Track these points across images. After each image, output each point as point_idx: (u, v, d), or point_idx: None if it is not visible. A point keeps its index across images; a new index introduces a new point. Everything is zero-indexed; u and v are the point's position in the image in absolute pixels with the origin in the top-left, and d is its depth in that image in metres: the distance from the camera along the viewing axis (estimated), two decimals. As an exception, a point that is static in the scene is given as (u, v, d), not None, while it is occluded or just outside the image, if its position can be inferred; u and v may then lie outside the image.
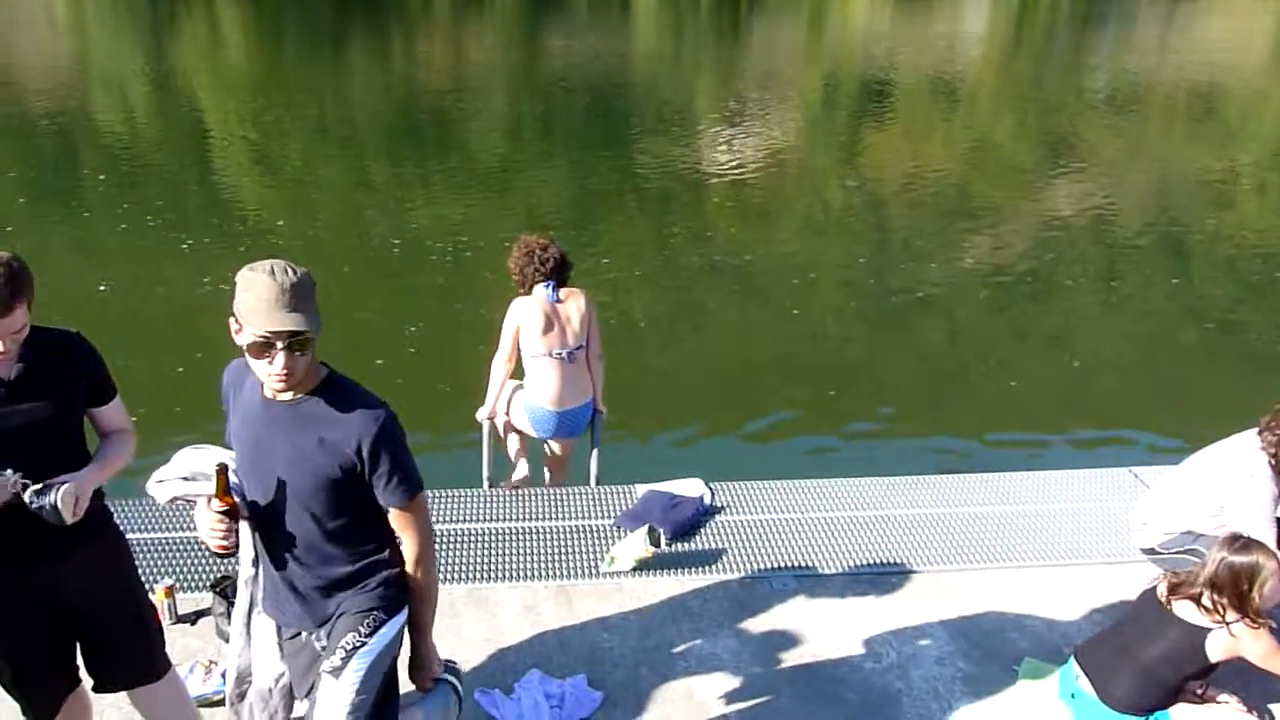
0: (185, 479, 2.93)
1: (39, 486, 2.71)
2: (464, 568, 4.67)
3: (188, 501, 2.91)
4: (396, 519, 2.71)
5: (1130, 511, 4.70)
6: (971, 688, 4.04)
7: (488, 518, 5.06)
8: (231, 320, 2.50)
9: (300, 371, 2.51)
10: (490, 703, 3.89)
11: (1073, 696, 3.79)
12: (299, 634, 2.84)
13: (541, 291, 5.03)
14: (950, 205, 13.57)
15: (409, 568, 2.79)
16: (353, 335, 8.89)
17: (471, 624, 4.32)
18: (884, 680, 4.07)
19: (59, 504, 2.70)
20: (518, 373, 5.20)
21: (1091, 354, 8.94)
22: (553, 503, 5.20)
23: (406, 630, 2.87)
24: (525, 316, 5.01)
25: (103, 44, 27.26)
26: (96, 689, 3.22)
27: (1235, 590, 3.46)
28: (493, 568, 4.68)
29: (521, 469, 5.48)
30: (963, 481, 5.53)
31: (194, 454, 2.98)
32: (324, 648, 2.78)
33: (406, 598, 2.83)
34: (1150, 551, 4.43)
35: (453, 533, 4.92)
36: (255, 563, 2.88)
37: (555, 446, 5.45)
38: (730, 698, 3.97)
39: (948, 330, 9.76)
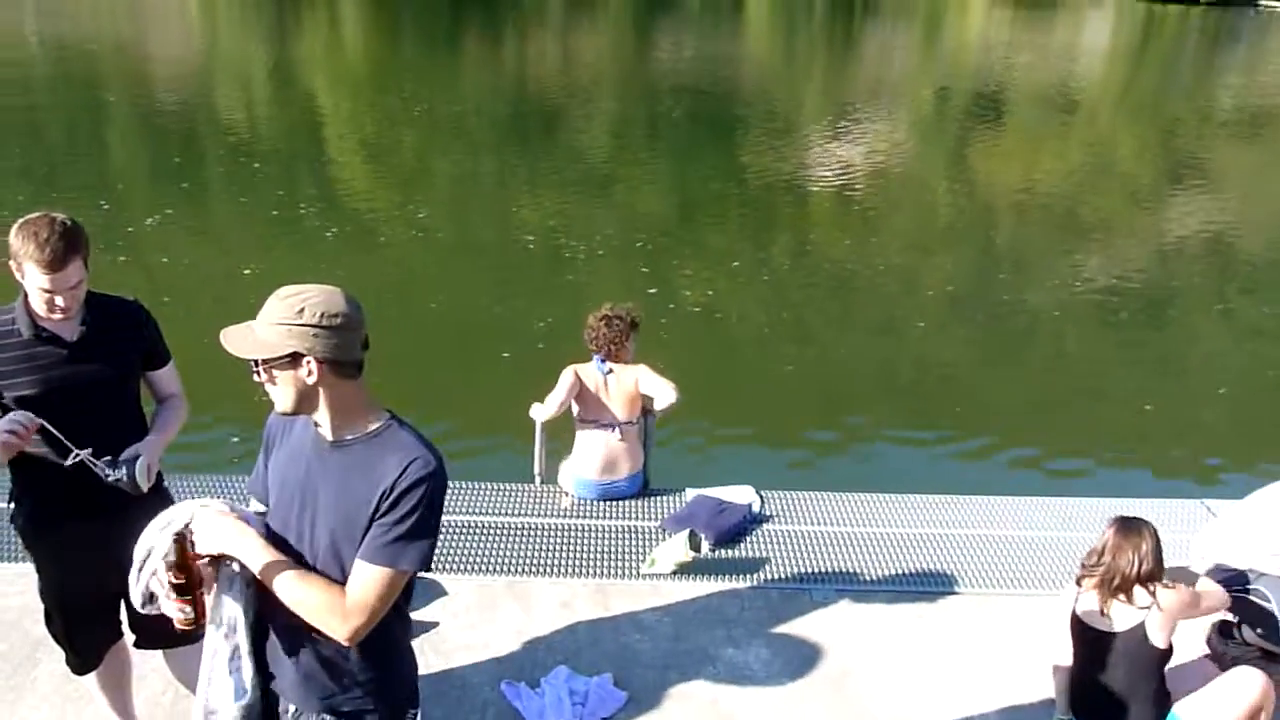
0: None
1: (109, 459, 2.89)
2: (505, 561, 4.71)
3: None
4: (362, 579, 2.20)
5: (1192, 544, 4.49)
6: (1007, 715, 3.92)
7: (534, 513, 5.10)
8: None
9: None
10: (515, 694, 3.92)
11: None
12: (291, 709, 2.49)
13: (594, 363, 5.08)
14: (1062, 222, 13.23)
15: (327, 613, 2.25)
16: (439, 323, 9.13)
17: (506, 615, 4.36)
18: (914, 700, 3.97)
19: (137, 477, 2.90)
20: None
21: (1198, 382, 8.61)
22: (601, 503, 5.21)
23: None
24: (582, 382, 5.07)
25: (230, 39, 28.32)
26: (139, 645, 3.37)
27: (1158, 568, 3.49)
28: (534, 562, 4.72)
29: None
30: (1021, 504, 5.37)
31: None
32: None
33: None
34: (1208, 589, 4.22)
35: (499, 526, 4.98)
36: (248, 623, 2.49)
37: None
38: (756, 708, 3.92)
39: (1047, 350, 9.52)
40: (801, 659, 4.18)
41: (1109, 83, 26.04)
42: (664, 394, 5.00)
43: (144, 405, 3.22)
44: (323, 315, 2.18)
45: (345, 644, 2.25)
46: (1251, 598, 4.02)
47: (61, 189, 12.65)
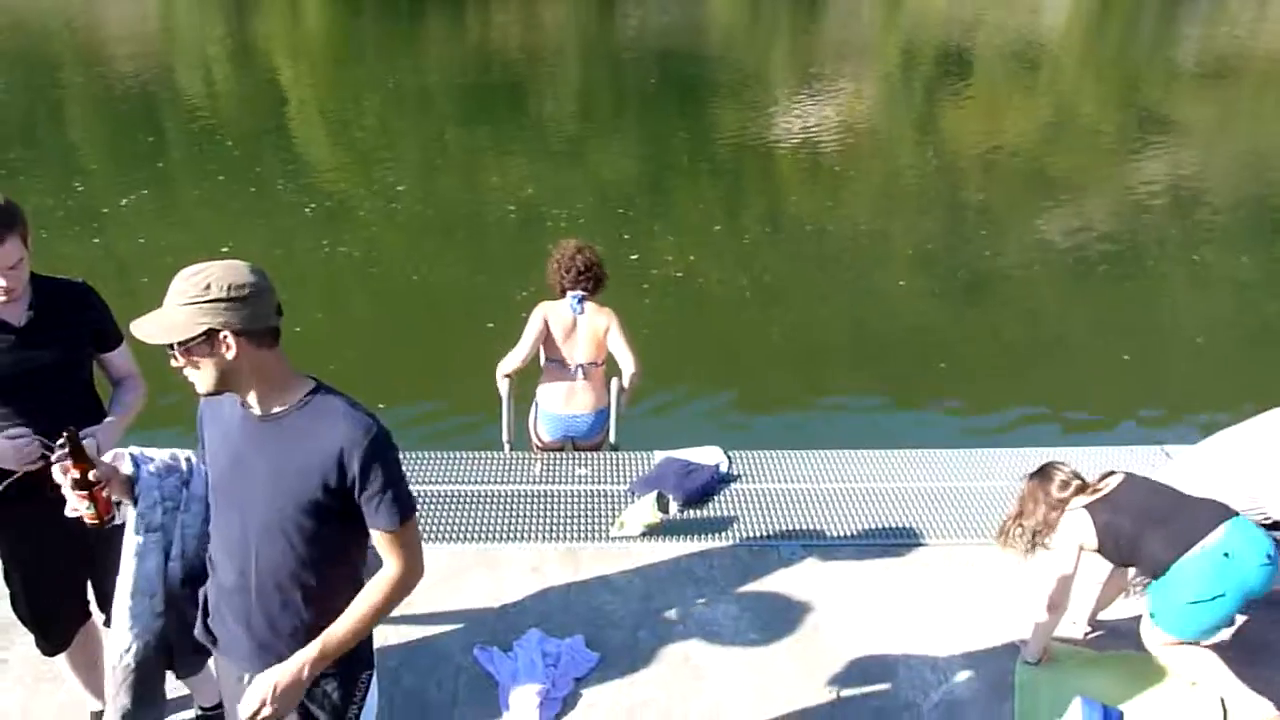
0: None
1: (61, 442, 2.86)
2: (475, 528, 4.74)
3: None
4: (384, 543, 2.37)
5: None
6: (971, 664, 3.99)
7: (504, 480, 5.12)
8: None
9: None
10: (487, 659, 3.95)
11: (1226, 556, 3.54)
12: (246, 676, 2.50)
13: (567, 301, 5.04)
14: (1029, 178, 13.30)
15: (380, 581, 2.39)
16: (421, 296, 9.14)
17: (477, 582, 4.39)
18: (882, 652, 4.04)
19: None
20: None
21: (1166, 333, 8.71)
22: (569, 467, 5.24)
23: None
24: (551, 321, 5.03)
25: (188, 14, 27.86)
26: (109, 624, 3.37)
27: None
28: (504, 529, 4.74)
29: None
30: (985, 456, 5.44)
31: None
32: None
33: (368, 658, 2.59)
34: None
35: (468, 494, 5.00)
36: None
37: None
38: (726, 663, 3.98)
39: (1015, 305, 9.60)
40: (770, 614, 4.24)
41: (1073, 37, 26.07)
42: (627, 363, 5.01)
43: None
44: (230, 287, 2.19)
45: (415, 579, 2.42)
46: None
47: (31, 173, 12.51)
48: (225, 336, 2.20)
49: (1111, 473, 3.85)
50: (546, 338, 5.05)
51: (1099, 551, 3.72)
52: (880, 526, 4.83)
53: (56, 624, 3.31)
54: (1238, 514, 3.61)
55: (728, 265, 10.01)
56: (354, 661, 2.51)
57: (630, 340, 5.05)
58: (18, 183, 11.81)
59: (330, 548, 2.39)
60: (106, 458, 2.67)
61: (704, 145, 14.87)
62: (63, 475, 2.48)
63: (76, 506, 2.52)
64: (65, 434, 2.42)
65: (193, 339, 2.19)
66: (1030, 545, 3.85)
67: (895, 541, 4.71)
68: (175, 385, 2.39)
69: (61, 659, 3.37)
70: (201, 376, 2.25)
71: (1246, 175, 13.77)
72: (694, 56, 22.42)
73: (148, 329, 2.21)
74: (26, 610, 3.26)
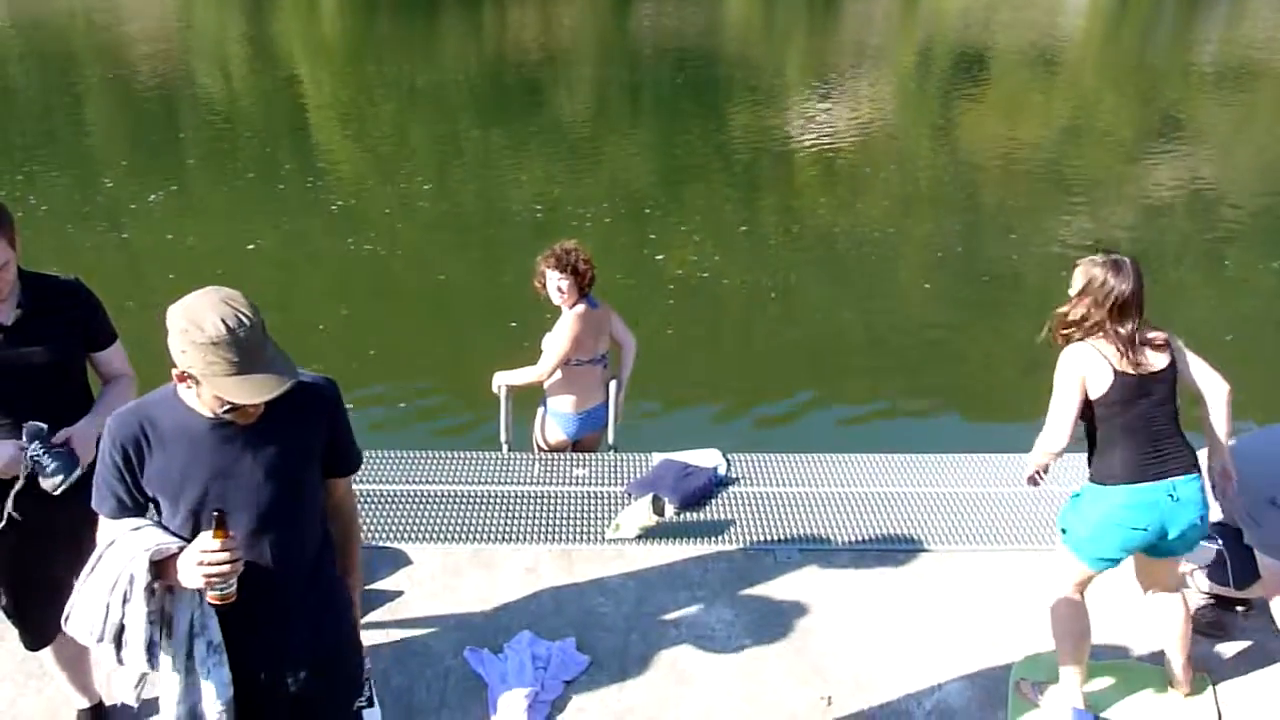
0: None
1: (49, 449, 2.87)
2: (471, 529, 4.72)
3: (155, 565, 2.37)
4: (339, 489, 2.63)
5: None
6: (965, 672, 3.95)
7: (502, 480, 5.11)
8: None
9: None
10: (478, 660, 3.94)
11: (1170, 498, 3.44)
12: (269, 678, 2.51)
13: (587, 303, 4.97)
14: (1046, 181, 13.21)
15: (349, 537, 2.70)
16: (436, 295, 9.24)
17: (471, 583, 4.38)
18: (876, 659, 4.00)
19: (66, 481, 2.88)
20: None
21: (1183, 337, 8.58)
22: (567, 468, 5.22)
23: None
24: (584, 325, 4.96)
25: (208, 14, 28.02)
26: None
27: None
28: (500, 529, 4.73)
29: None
30: (987, 461, 5.38)
31: (129, 544, 2.36)
32: (312, 698, 2.55)
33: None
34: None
35: (464, 494, 4.99)
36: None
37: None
38: (717, 668, 3.95)
39: (1029, 309, 9.46)
40: (764, 620, 4.21)
41: (1090, 40, 25.92)
42: (629, 343, 5.16)
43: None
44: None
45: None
46: (1203, 543, 4.05)
47: (59, 169, 12.64)
48: None
49: (1163, 338, 3.53)
50: (581, 344, 4.96)
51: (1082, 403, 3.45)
52: (877, 532, 4.79)
53: (39, 620, 3.29)
54: (1199, 471, 3.52)
55: (737, 266, 9.98)
56: (359, 650, 2.76)
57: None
58: (49, 178, 11.96)
59: (323, 525, 2.57)
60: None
61: (719, 146, 14.86)
62: (215, 552, 2.22)
63: (223, 576, 2.23)
64: (216, 512, 2.22)
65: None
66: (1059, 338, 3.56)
67: (892, 547, 4.67)
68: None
69: (47, 655, 3.36)
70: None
71: (1266, 179, 13.64)
72: (710, 57, 22.40)
73: (273, 384, 2.19)
74: (10, 605, 3.26)
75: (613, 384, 5.16)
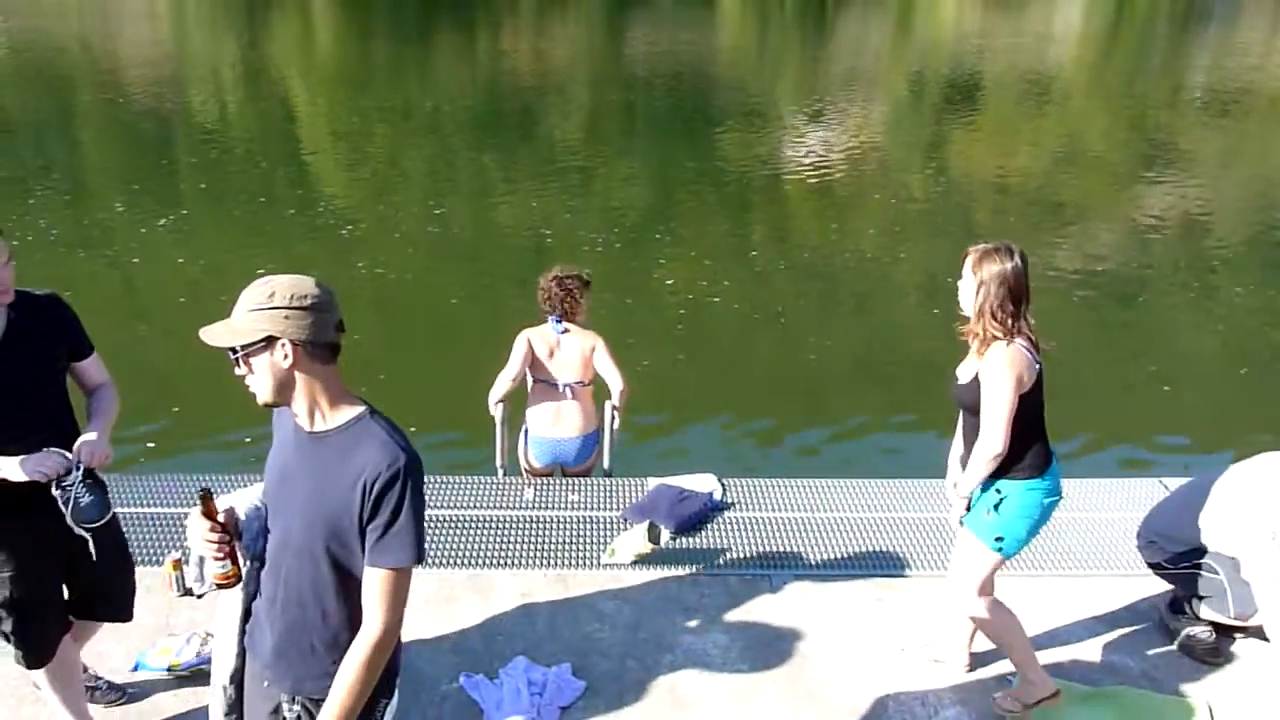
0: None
1: (84, 496, 2.97)
2: (466, 553, 4.72)
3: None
4: (375, 585, 2.29)
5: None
6: (961, 698, 3.95)
7: (496, 505, 5.11)
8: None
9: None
10: (473, 686, 3.93)
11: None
12: (267, 684, 2.55)
13: (550, 324, 5.09)
14: (1037, 207, 13.30)
15: (367, 646, 2.32)
16: (428, 320, 9.26)
17: (466, 608, 4.37)
18: (871, 684, 4.00)
19: (98, 515, 3.02)
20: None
21: (1172, 363, 8.64)
22: (562, 493, 5.23)
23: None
24: (534, 343, 5.09)
25: (202, 39, 28.14)
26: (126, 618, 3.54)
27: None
28: (495, 554, 4.72)
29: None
30: (981, 487, 5.39)
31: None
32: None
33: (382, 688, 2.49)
34: (1157, 566, 4.26)
35: (460, 519, 4.98)
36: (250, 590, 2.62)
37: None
38: (713, 694, 3.94)
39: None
40: (760, 645, 4.21)
41: (1081, 67, 26.14)
42: (614, 379, 5.05)
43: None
44: (293, 296, 2.25)
45: (393, 638, 2.34)
46: (1203, 572, 4.07)
47: (72, 192, 12.76)
48: (284, 344, 2.24)
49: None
50: (533, 360, 5.08)
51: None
52: (873, 557, 4.79)
53: (41, 636, 3.30)
54: None
55: (731, 291, 10.01)
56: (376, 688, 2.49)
57: (617, 361, 5.08)
58: (54, 202, 12.00)
59: (352, 577, 2.36)
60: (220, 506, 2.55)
61: (713, 171, 14.93)
62: (200, 538, 2.39)
63: (210, 569, 2.43)
64: (200, 491, 2.38)
65: (253, 344, 2.24)
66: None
67: (887, 572, 4.68)
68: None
69: (42, 676, 3.36)
70: (260, 384, 2.29)
71: (1255, 204, 13.75)
72: (703, 81, 22.56)
73: (214, 335, 2.27)
74: (13, 624, 3.26)
75: (607, 405, 5.17)
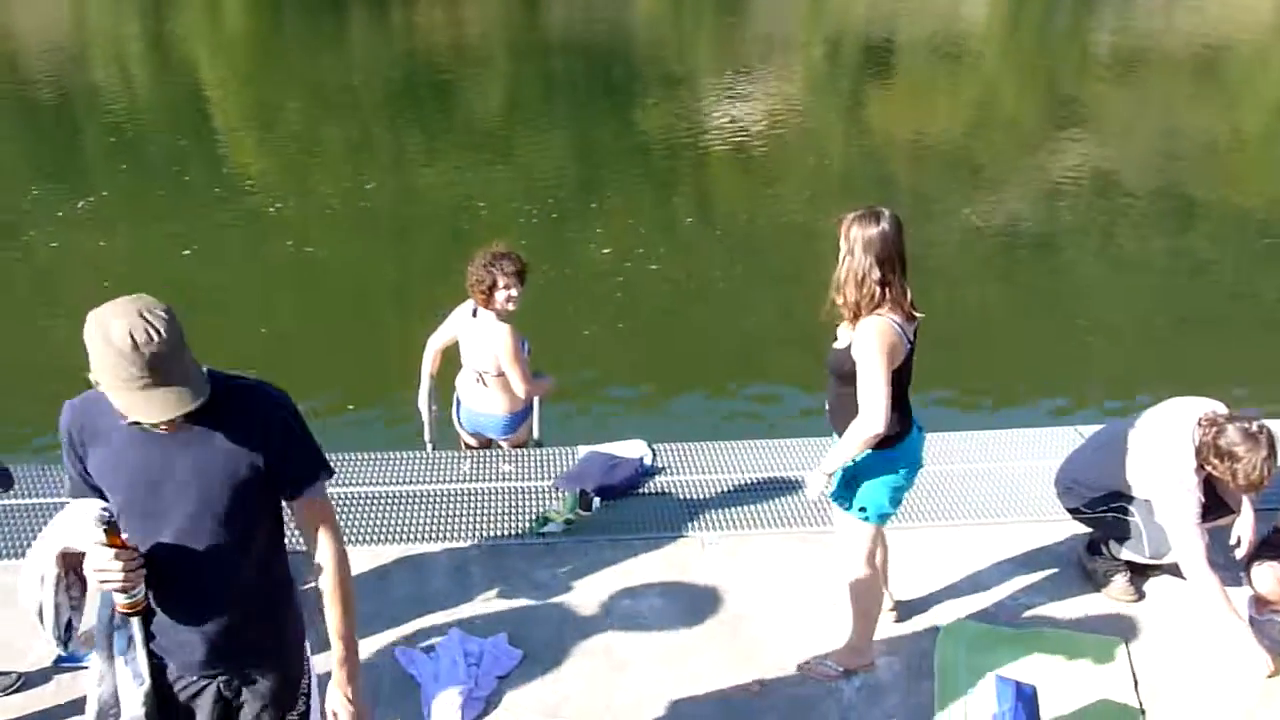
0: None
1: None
2: (397, 529, 4.69)
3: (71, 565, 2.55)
4: (307, 512, 2.42)
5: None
6: (891, 647, 4.04)
7: (427, 480, 5.08)
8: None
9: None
10: (409, 660, 3.92)
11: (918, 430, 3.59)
12: (194, 679, 2.51)
13: (466, 308, 4.99)
14: (953, 167, 13.47)
15: (330, 573, 2.44)
16: (351, 296, 9.11)
17: (399, 585, 4.35)
18: (805, 639, 4.07)
19: None
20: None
21: (1086, 317, 8.86)
22: (493, 465, 5.21)
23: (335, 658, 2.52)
24: (454, 322, 5.08)
25: (100, 12, 27.18)
26: None
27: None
28: (427, 529, 4.70)
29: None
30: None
31: (54, 531, 2.61)
32: (241, 704, 2.55)
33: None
34: (1075, 511, 4.39)
35: (390, 495, 4.95)
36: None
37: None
38: (651, 656, 3.99)
39: (939, 291, 9.70)
40: (695, 606, 4.26)
41: (993, 28, 26.51)
42: (517, 387, 4.91)
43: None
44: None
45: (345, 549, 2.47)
46: (1119, 515, 4.21)
47: None
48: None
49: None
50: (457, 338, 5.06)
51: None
52: (801, 514, 4.86)
53: None
54: None
55: (655, 259, 10.02)
56: (290, 665, 2.61)
57: (516, 362, 4.82)
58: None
59: (256, 539, 2.41)
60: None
61: (634, 140, 14.87)
62: (109, 572, 2.24)
63: (117, 583, 2.26)
64: (103, 511, 2.23)
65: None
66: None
67: (816, 529, 4.74)
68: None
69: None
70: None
71: (1160, 159, 14.13)
72: (620, 52, 22.39)
73: (174, 403, 2.15)
74: None
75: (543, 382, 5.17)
